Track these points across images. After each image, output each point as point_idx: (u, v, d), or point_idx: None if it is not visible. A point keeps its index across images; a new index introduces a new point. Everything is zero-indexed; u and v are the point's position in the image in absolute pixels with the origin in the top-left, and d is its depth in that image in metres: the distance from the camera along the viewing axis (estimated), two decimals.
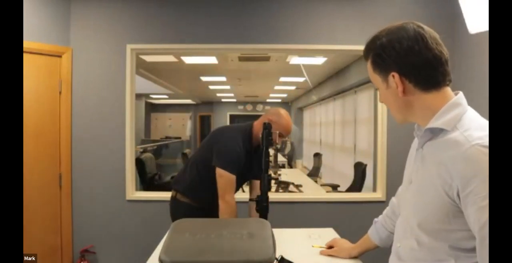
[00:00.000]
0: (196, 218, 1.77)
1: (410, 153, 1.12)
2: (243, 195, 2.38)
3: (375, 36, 0.97)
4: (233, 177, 2.01)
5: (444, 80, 0.94)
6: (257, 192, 2.14)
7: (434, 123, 0.93)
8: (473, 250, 0.85)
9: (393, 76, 0.93)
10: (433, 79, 0.93)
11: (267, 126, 1.95)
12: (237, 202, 2.07)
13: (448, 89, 0.95)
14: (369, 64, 1.00)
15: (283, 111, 2.16)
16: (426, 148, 0.98)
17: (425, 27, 0.94)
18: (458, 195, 0.85)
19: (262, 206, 1.93)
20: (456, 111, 0.92)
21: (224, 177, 2.01)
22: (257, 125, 2.11)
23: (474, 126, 0.88)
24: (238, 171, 2.05)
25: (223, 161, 2.02)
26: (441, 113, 0.92)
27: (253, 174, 2.17)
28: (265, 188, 1.95)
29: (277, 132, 2.09)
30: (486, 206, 0.78)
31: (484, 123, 0.89)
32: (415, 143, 1.10)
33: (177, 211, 2.14)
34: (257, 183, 2.12)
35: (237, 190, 2.25)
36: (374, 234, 1.41)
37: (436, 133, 0.94)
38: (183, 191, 2.17)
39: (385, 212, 1.39)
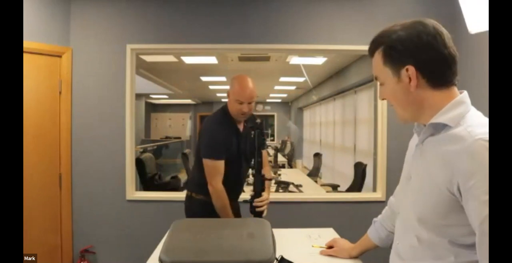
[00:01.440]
0: (211, 212, 1.78)
1: (409, 150, 1.12)
2: (243, 195, 2.38)
3: (388, 31, 0.96)
4: (217, 163, 1.98)
5: (454, 79, 0.94)
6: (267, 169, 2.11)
7: (438, 118, 0.93)
8: (473, 246, 0.85)
9: (407, 69, 0.92)
10: (445, 77, 0.93)
11: (258, 127, 1.94)
12: (240, 202, 2.07)
13: (455, 88, 0.96)
14: (378, 57, 0.98)
15: (239, 76, 2.04)
16: (427, 144, 0.98)
17: (441, 25, 0.94)
18: (458, 190, 0.85)
19: (256, 208, 1.92)
20: (461, 109, 0.92)
21: (208, 166, 2.00)
22: (228, 102, 2.07)
23: (477, 123, 0.88)
24: (230, 151, 2.02)
25: (205, 150, 2.02)
26: (445, 110, 0.93)
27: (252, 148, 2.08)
28: (259, 189, 1.94)
29: (238, 100, 1.97)
30: (488, 200, 0.79)
31: (487, 122, 0.90)
32: (414, 140, 1.11)
33: (192, 207, 2.13)
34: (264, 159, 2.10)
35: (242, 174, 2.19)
36: (373, 234, 1.41)
37: (438, 128, 0.94)
38: (196, 190, 2.17)
39: (384, 211, 1.39)
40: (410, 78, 0.93)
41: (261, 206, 1.96)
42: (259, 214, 1.93)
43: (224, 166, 2.02)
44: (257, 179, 1.94)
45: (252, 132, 1.96)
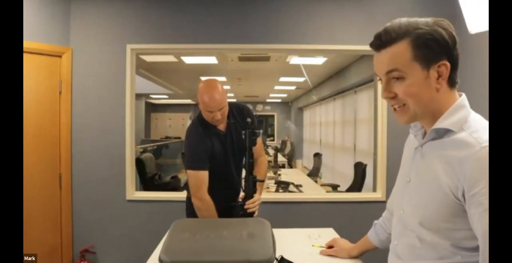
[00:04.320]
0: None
1: (407, 151, 1.11)
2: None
3: (408, 23, 0.90)
4: (199, 173, 1.92)
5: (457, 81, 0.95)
6: (261, 172, 2.07)
7: (441, 124, 0.92)
8: (475, 249, 0.85)
9: (439, 65, 0.89)
10: (456, 77, 0.93)
11: (249, 126, 1.92)
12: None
13: (455, 90, 0.95)
14: (403, 49, 0.89)
15: (205, 83, 1.92)
16: (427, 147, 0.97)
17: None
18: (463, 195, 0.85)
19: (247, 210, 1.88)
20: (462, 113, 0.92)
21: (190, 177, 1.95)
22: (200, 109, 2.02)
23: (482, 129, 0.87)
24: (214, 155, 1.98)
25: (187, 162, 1.98)
26: (448, 114, 0.92)
27: (242, 145, 2.01)
28: (250, 191, 1.90)
29: (208, 111, 1.91)
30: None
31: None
32: (410, 141, 1.10)
33: (193, 209, 2.07)
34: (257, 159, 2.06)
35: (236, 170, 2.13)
36: (373, 236, 1.41)
37: (440, 133, 0.93)
38: None
39: (384, 214, 1.39)
40: (438, 75, 0.90)
41: (252, 207, 1.93)
42: (250, 216, 1.91)
43: (213, 170, 1.98)
44: (249, 180, 1.90)
45: (243, 132, 1.93)
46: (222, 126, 2.06)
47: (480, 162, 0.82)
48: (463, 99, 0.94)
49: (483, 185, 0.80)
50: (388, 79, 0.93)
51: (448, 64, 0.89)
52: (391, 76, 0.92)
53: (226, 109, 1.96)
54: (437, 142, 0.94)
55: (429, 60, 0.89)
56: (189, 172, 1.96)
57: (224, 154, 2.04)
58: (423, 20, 0.90)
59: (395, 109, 0.96)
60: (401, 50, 0.89)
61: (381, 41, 0.91)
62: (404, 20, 0.91)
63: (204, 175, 1.94)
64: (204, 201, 1.93)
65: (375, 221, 1.42)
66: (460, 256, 0.89)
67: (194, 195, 1.94)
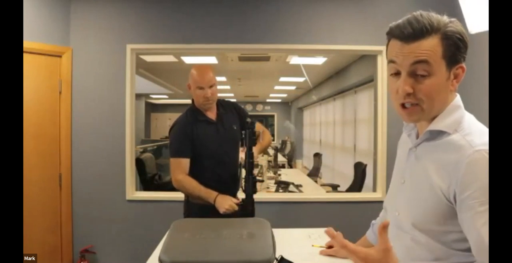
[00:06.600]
0: (209, 216, 1.75)
1: (402, 151, 1.10)
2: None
3: (438, 17, 0.89)
4: (176, 160, 2.04)
5: None
6: (265, 138, 2.15)
7: (436, 125, 0.91)
8: (468, 250, 0.85)
9: (461, 67, 0.89)
10: None
11: (249, 126, 1.93)
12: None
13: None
14: (434, 45, 0.86)
15: (195, 65, 2.13)
16: (421, 148, 0.97)
17: None
18: (454, 198, 0.85)
19: (248, 210, 1.88)
20: (458, 114, 0.91)
21: (171, 163, 2.06)
22: (192, 93, 2.11)
23: (475, 131, 0.87)
24: (202, 142, 2.03)
25: (169, 149, 2.08)
26: (444, 115, 0.91)
27: (232, 134, 2.12)
28: (250, 191, 1.90)
29: (197, 87, 2.03)
30: (484, 211, 0.78)
31: (483, 128, 0.89)
32: (404, 140, 1.10)
33: (190, 211, 2.10)
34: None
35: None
36: (371, 236, 1.41)
37: (434, 134, 0.93)
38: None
39: (381, 214, 1.39)
40: (454, 77, 0.89)
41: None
42: (250, 216, 1.91)
43: (204, 157, 2.04)
44: (249, 180, 1.90)
45: (243, 132, 1.94)
46: (212, 115, 2.11)
47: (472, 166, 0.81)
48: (458, 99, 0.94)
49: (474, 188, 0.80)
50: (411, 72, 0.87)
51: (465, 67, 0.89)
52: (416, 68, 0.86)
53: (216, 90, 2.07)
54: (431, 143, 0.94)
55: (454, 61, 0.88)
56: (170, 159, 2.06)
57: (216, 142, 2.07)
58: (446, 17, 0.90)
59: (403, 107, 0.91)
60: (433, 44, 0.86)
61: (414, 31, 0.86)
62: (430, 13, 0.89)
63: (183, 161, 2.03)
64: (180, 182, 2.02)
65: (373, 221, 1.42)
66: (456, 257, 0.89)
67: (172, 178, 2.04)
